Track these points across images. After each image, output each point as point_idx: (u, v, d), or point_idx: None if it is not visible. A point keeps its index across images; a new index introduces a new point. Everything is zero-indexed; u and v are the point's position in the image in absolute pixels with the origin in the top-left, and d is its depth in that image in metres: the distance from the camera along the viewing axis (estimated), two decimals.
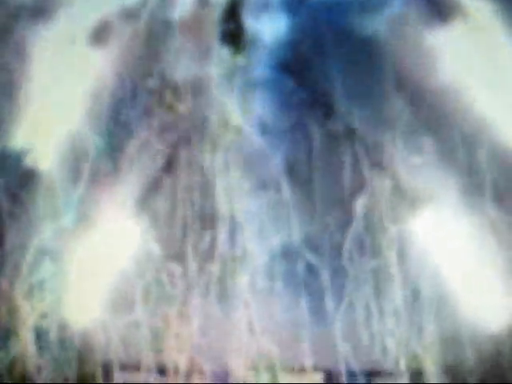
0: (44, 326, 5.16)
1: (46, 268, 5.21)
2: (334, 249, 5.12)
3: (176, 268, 5.22)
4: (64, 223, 5.23)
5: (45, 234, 5.21)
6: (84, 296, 5.21)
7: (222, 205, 5.24)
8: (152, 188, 5.37)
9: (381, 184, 5.15)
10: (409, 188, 5.13)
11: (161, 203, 5.33)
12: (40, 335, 5.15)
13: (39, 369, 5.06)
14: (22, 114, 5.33)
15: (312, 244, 5.16)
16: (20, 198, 5.29)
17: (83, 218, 5.25)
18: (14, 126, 5.33)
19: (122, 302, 5.18)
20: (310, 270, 5.14)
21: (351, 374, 4.99)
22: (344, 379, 4.99)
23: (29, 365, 5.07)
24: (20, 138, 5.35)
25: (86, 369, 5.17)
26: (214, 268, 5.20)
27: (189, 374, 5.12)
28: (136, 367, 5.17)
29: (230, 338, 5.08)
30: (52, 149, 5.31)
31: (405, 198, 5.13)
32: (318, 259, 5.11)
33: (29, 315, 5.12)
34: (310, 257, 5.12)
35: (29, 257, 5.14)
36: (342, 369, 4.97)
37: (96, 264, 5.20)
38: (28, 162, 5.31)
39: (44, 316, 5.16)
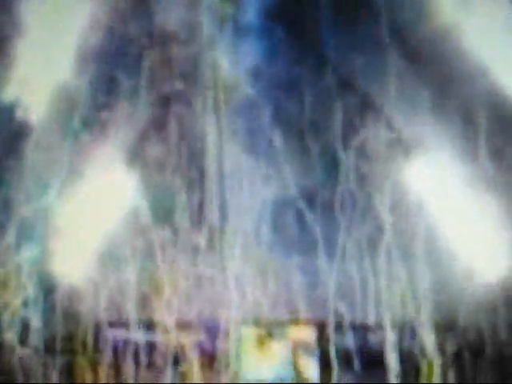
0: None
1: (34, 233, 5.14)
2: (326, 202, 5.03)
3: (165, 226, 5.15)
4: (53, 183, 5.16)
5: (34, 193, 5.13)
6: (74, 255, 5.16)
7: (213, 160, 5.16)
8: (141, 143, 5.30)
9: (375, 136, 5.05)
10: (403, 139, 5.04)
11: (151, 159, 5.26)
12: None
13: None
14: (13, 69, 5.26)
15: (305, 198, 5.07)
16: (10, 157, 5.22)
17: (72, 177, 5.18)
18: (6, 80, 5.26)
19: (111, 261, 5.13)
20: (303, 224, 5.06)
21: (343, 328, 4.93)
22: (335, 332, 4.93)
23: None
24: (11, 92, 5.27)
25: (76, 327, 5.12)
26: (205, 224, 5.12)
27: (179, 330, 5.06)
28: (125, 325, 5.12)
29: (221, 293, 5.02)
30: (42, 102, 5.24)
31: (399, 150, 5.03)
32: (311, 213, 5.03)
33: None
34: (303, 208, 5.04)
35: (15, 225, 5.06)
36: (334, 322, 4.91)
37: (85, 223, 5.14)
38: (19, 115, 5.24)
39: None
